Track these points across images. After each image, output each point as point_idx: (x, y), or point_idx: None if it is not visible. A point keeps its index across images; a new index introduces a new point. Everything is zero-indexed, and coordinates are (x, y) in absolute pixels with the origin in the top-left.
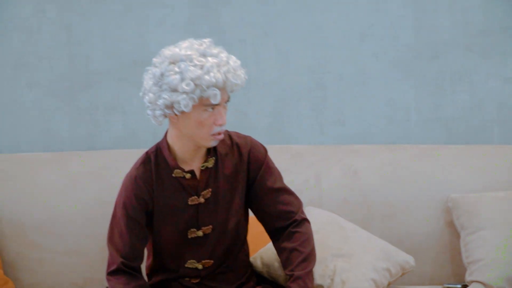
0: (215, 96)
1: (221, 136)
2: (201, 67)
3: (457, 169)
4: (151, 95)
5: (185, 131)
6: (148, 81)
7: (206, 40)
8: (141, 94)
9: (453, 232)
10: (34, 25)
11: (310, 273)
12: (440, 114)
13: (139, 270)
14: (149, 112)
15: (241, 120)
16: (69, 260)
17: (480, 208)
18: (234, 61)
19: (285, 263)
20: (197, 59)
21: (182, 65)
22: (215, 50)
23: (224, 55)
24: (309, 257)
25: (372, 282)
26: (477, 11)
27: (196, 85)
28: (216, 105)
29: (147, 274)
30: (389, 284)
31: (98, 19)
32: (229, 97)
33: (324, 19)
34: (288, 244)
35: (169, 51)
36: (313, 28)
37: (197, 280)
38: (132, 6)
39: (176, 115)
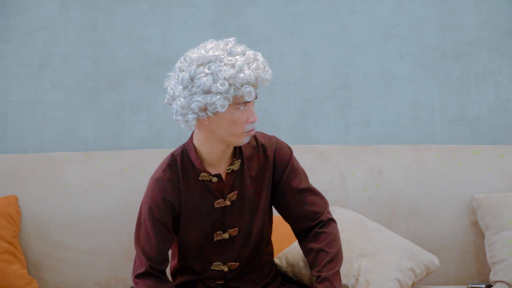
0: (250, 93)
1: (253, 132)
2: (233, 66)
3: (482, 169)
4: (182, 99)
5: (218, 132)
6: (175, 87)
7: (231, 39)
8: (166, 101)
9: (478, 232)
10: (59, 25)
11: (337, 274)
12: (465, 114)
13: (165, 273)
14: (179, 117)
15: (266, 120)
16: (93, 260)
17: (505, 208)
18: (261, 57)
19: (312, 264)
20: (226, 59)
21: (213, 66)
22: (240, 49)
23: (250, 52)
24: (336, 258)
25: (397, 282)
26: (502, 11)
27: (230, 84)
28: (247, 102)
29: (171, 275)
30: (413, 284)
31: (123, 18)
32: (257, 94)
33: (349, 19)
34: (314, 245)
35: (194, 54)
36: (338, 28)
37: (222, 281)
38: (157, 6)
39: (208, 117)
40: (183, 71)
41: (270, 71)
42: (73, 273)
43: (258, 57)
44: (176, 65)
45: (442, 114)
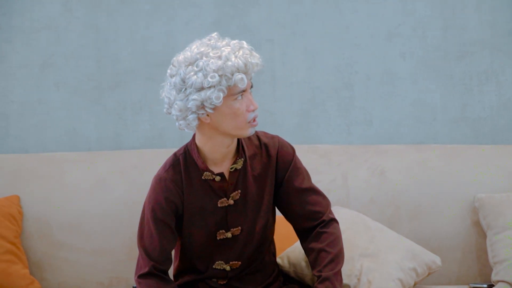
0: (242, 80)
1: (256, 123)
2: (219, 58)
3: (484, 169)
4: (179, 102)
5: (222, 127)
6: (170, 93)
7: (213, 34)
8: (165, 110)
9: (480, 232)
10: (62, 25)
11: (338, 274)
12: (467, 114)
13: (168, 273)
14: (181, 122)
15: (269, 120)
16: (96, 260)
17: (507, 208)
18: (246, 44)
19: (313, 264)
20: (212, 52)
21: (200, 62)
22: (224, 41)
23: (235, 41)
24: (337, 258)
25: (399, 281)
26: (505, 11)
27: (220, 76)
28: (244, 91)
29: (174, 275)
30: (415, 284)
31: (125, 18)
32: (251, 83)
33: (351, 19)
34: (316, 245)
35: (181, 56)
36: (340, 28)
37: (224, 282)
38: (159, 6)
39: (208, 114)
40: (173, 76)
41: (258, 55)
42: (75, 273)
43: (243, 45)
44: (167, 74)
45: (445, 114)
